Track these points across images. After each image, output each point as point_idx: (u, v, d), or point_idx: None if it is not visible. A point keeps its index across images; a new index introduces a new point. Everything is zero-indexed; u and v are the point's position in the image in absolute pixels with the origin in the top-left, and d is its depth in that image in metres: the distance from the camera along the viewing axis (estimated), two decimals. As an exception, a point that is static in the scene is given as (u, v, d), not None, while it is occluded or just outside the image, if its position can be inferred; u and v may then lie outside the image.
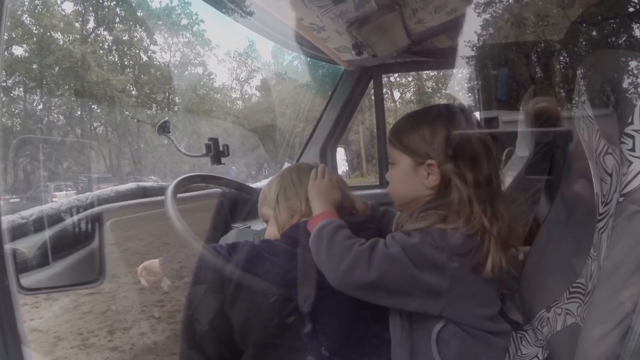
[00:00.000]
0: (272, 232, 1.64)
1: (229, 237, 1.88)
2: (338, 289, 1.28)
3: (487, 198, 1.30)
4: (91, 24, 22.55)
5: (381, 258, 1.23)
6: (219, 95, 25.25)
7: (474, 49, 4.50)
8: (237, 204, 2.45)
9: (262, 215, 1.72)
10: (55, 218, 2.01)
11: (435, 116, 1.37)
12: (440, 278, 1.24)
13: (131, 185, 2.45)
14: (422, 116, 1.41)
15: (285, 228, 1.59)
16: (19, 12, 19.43)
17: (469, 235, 1.26)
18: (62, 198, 2.25)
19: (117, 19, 22.95)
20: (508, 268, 1.34)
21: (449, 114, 1.37)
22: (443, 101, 22.47)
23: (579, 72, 1.60)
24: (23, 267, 1.74)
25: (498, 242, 1.28)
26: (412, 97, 23.70)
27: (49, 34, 20.61)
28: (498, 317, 1.41)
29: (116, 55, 22.93)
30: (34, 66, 20.57)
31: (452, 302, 1.26)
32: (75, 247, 1.98)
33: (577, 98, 1.50)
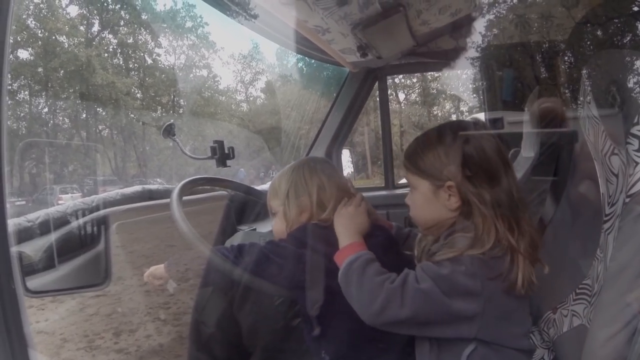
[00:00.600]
0: (279, 227, 1.63)
1: (235, 240, 1.88)
2: (370, 325, 1.26)
3: (511, 214, 1.27)
4: (96, 27, 22.66)
5: (413, 294, 1.21)
6: (223, 98, 25.28)
7: (479, 49, 4.50)
8: (243, 206, 2.45)
9: (271, 208, 1.70)
10: (61, 221, 2.01)
11: (448, 136, 1.34)
12: (475, 304, 1.22)
13: (137, 188, 2.45)
14: (435, 137, 1.37)
15: (293, 225, 1.58)
16: (24, 16, 19.51)
17: (498, 257, 1.24)
18: (67, 201, 2.25)
19: (122, 22, 23.05)
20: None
21: (463, 130, 1.34)
22: (448, 102, 22.54)
23: (584, 72, 1.60)
24: (29, 269, 1.74)
25: (526, 259, 1.26)
26: (417, 99, 23.68)
27: (54, 37, 20.69)
28: (528, 335, 1.41)
29: (121, 58, 23.02)
30: (39, 69, 20.65)
31: (487, 324, 1.24)
32: (81, 250, 1.99)
33: (582, 98, 1.50)
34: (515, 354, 1.32)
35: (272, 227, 1.69)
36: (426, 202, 1.36)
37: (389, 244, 1.59)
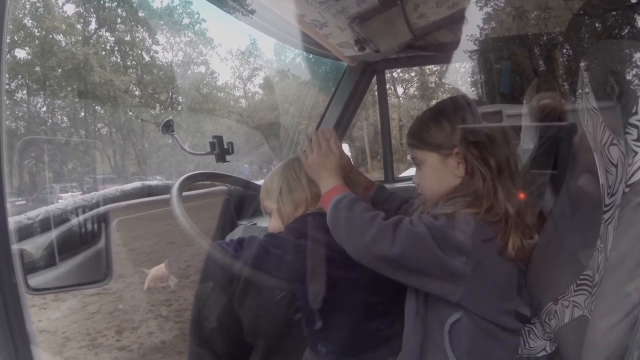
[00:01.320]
0: (275, 225, 1.63)
1: (235, 235, 1.89)
2: (358, 261, 1.26)
3: (510, 181, 1.33)
4: (93, 26, 22.61)
5: (405, 234, 1.22)
6: (222, 94, 25.25)
7: (477, 42, 4.50)
8: (243, 201, 2.45)
9: (265, 208, 1.70)
10: (62, 218, 2.01)
11: (448, 108, 1.41)
12: (464, 263, 1.24)
13: (136, 184, 2.45)
14: (437, 111, 1.45)
15: (289, 220, 1.58)
16: (21, 15, 19.46)
17: (493, 222, 1.28)
18: (67, 199, 2.26)
19: (119, 20, 22.99)
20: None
21: (459, 104, 1.41)
22: (447, 95, 22.51)
23: (582, 64, 1.60)
24: (30, 267, 1.74)
25: (518, 224, 1.30)
26: (416, 92, 23.65)
27: (51, 36, 20.64)
28: (513, 314, 1.42)
29: (118, 56, 22.99)
30: (37, 69, 20.61)
31: (472, 291, 1.26)
32: (81, 247, 1.99)
33: (580, 90, 1.50)
34: (499, 332, 1.33)
35: (268, 227, 1.69)
36: (435, 173, 1.41)
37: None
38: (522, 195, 1.35)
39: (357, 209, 1.30)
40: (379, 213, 1.29)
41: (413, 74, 22.79)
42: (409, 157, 1.53)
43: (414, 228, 1.23)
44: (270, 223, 1.67)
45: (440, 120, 1.39)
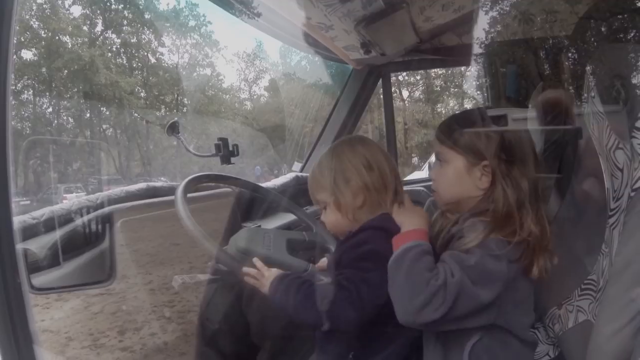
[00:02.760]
0: (332, 218, 1.56)
1: (239, 237, 1.88)
2: (404, 324, 1.25)
3: (534, 202, 1.32)
4: (99, 27, 22.65)
5: (452, 291, 1.20)
6: (227, 96, 25.28)
7: (482, 46, 4.49)
8: (248, 203, 2.45)
9: (317, 202, 1.62)
10: (66, 218, 2.01)
11: (484, 119, 1.42)
12: (498, 289, 1.24)
13: (141, 185, 2.45)
14: (477, 116, 1.45)
15: (350, 213, 1.51)
16: (27, 17, 19.52)
17: (518, 242, 1.26)
18: (72, 200, 2.26)
19: (125, 22, 23.04)
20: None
21: (499, 117, 1.43)
22: (452, 99, 22.50)
23: (588, 67, 1.60)
24: (34, 267, 1.74)
25: (542, 246, 1.30)
26: (421, 96, 23.63)
27: (57, 37, 20.71)
28: (531, 326, 1.47)
29: (124, 58, 23.02)
30: (43, 69, 20.68)
31: (503, 310, 1.28)
32: (85, 247, 1.99)
33: (586, 94, 1.50)
34: (519, 346, 1.34)
35: (324, 220, 1.61)
36: (457, 177, 1.40)
37: None
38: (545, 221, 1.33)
39: (420, 265, 1.26)
40: (434, 274, 1.24)
41: (418, 77, 22.78)
42: (432, 155, 1.52)
43: (454, 279, 1.21)
44: (326, 216, 1.59)
45: (477, 126, 1.40)
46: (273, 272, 1.54)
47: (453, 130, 1.42)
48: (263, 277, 1.54)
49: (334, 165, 1.54)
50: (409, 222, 1.38)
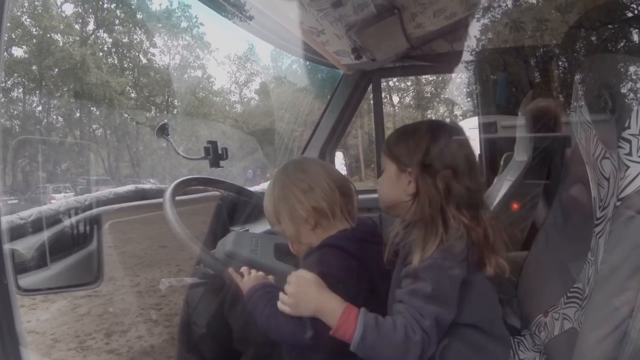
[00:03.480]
0: (295, 248, 1.58)
1: (227, 240, 1.88)
2: None
3: (470, 207, 1.36)
4: (91, 26, 22.63)
5: (432, 330, 1.23)
6: (218, 99, 25.30)
7: (473, 53, 4.51)
8: (236, 207, 2.45)
9: (280, 233, 1.62)
10: (54, 219, 2.00)
11: (420, 130, 1.46)
12: (460, 290, 1.30)
13: (130, 187, 2.44)
14: (410, 129, 1.51)
15: (302, 238, 1.52)
16: (19, 13, 19.46)
17: (458, 239, 1.31)
18: (60, 200, 2.25)
19: (117, 21, 23.01)
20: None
21: (433, 129, 1.45)
22: (442, 105, 22.61)
23: (577, 77, 1.61)
24: (21, 267, 1.73)
25: (488, 246, 1.35)
26: (411, 102, 23.75)
27: (48, 35, 20.65)
28: (501, 321, 1.48)
29: (115, 58, 23.00)
30: (34, 67, 20.61)
31: (464, 308, 1.31)
32: (73, 249, 1.98)
33: (575, 103, 1.51)
34: (489, 343, 1.37)
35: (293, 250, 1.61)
36: (390, 182, 1.48)
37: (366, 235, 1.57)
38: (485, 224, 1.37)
39: (384, 330, 1.24)
40: (405, 329, 1.22)
41: (409, 83, 22.96)
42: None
43: (427, 321, 1.23)
44: (291, 248, 1.60)
45: (407, 137, 1.47)
46: (253, 277, 1.55)
47: (390, 141, 1.53)
48: (242, 281, 1.55)
49: (274, 196, 1.56)
50: (325, 302, 1.31)
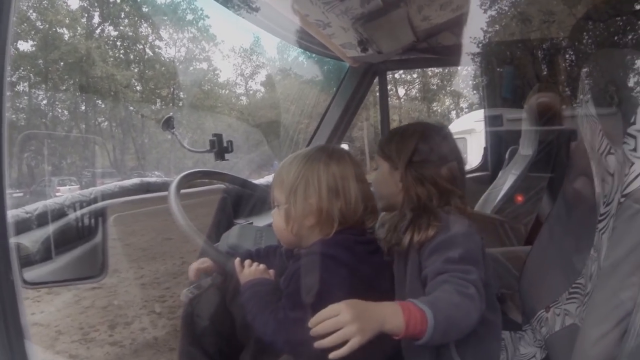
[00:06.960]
0: (279, 224, 1.47)
1: (231, 233, 1.87)
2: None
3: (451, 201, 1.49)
4: (96, 20, 22.61)
5: (480, 285, 1.26)
6: (223, 91, 25.26)
7: (479, 46, 4.49)
8: (241, 199, 2.45)
9: (273, 198, 1.51)
10: (59, 213, 2.01)
11: (408, 132, 1.59)
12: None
13: (135, 180, 2.45)
14: (400, 130, 1.64)
15: (295, 229, 1.44)
16: (25, 8, 19.45)
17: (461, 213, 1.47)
18: (65, 193, 2.25)
19: (122, 15, 22.99)
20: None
21: (421, 131, 1.57)
22: (448, 98, 22.56)
23: (584, 70, 1.61)
24: (26, 261, 1.74)
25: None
26: (417, 94, 23.68)
27: (54, 29, 20.66)
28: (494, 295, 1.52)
29: (121, 51, 22.98)
30: (39, 61, 20.60)
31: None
32: (78, 242, 1.99)
33: (581, 96, 1.50)
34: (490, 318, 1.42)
35: (273, 225, 1.53)
36: (383, 179, 1.60)
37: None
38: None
39: (448, 304, 1.19)
40: (461, 285, 1.22)
41: (415, 75, 22.86)
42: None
43: (472, 276, 1.26)
44: (275, 219, 1.51)
45: (397, 139, 1.59)
46: (253, 270, 1.51)
47: (384, 141, 1.64)
48: (241, 272, 1.53)
49: (303, 173, 1.43)
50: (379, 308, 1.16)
